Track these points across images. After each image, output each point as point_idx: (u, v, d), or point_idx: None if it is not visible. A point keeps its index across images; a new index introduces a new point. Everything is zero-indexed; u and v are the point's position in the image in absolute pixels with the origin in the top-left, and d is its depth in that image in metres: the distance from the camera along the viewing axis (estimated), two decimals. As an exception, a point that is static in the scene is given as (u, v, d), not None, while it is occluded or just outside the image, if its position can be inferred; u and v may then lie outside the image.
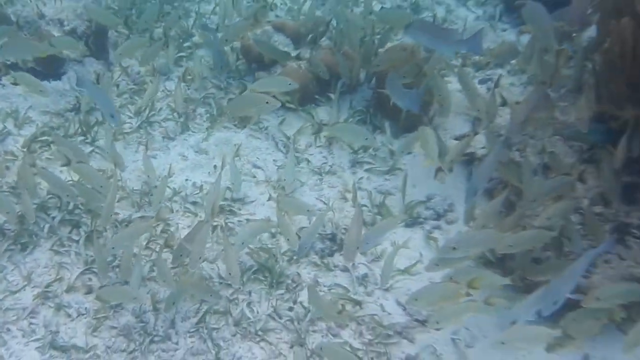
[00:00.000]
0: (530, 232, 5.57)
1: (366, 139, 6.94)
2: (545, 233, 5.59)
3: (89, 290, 5.94)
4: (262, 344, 5.81)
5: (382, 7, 9.85)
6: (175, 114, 7.93)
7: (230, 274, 5.67)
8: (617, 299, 5.22)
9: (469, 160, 7.29)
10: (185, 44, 9.11)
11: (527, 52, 7.41)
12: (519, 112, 5.95)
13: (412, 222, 6.99)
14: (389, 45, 8.54)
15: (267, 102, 6.57)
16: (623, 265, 5.94)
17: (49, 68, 8.03)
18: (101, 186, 6.28)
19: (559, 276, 4.93)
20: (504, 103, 7.09)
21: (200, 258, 5.70)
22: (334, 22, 8.90)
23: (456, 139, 7.62)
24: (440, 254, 5.40)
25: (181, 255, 5.92)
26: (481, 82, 8.55)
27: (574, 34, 7.46)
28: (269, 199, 6.80)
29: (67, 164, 6.33)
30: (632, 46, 5.95)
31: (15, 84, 7.47)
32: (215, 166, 7.35)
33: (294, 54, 8.48)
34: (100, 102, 6.74)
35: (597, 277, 5.87)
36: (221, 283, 6.23)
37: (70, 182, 6.61)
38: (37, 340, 5.66)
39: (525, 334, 5.03)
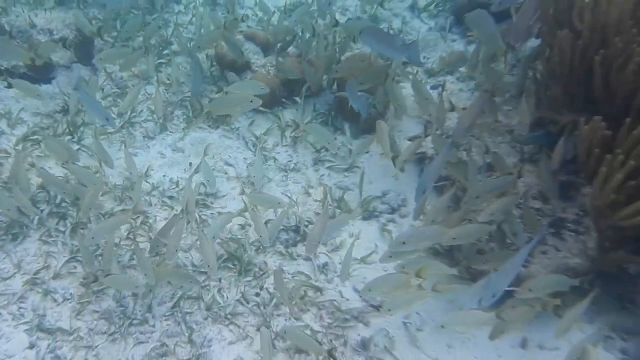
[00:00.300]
0: (471, 226, 5.56)
1: (328, 142, 6.99)
2: (485, 227, 5.60)
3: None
4: (231, 327, 5.81)
5: (348, 19, 9.84)
6: (154, 116, 7.86)
7: (209, 266, 5.65)
8: (547, 289, 5.27)
9: (421, 159, 7.29)
10: (165, 52, 9.04)
11: (472, 60, 7.41)
12: (464, 117, 5.95)
13: (369, 215, 7.00)
14: (348, 53, 8.56)
15: (251, 101, 6.54)
16: (558, 256, 5.98)
17: (40, 73, 7.96)
18: (94, 184, 6.24)
19: (498, 271, 4.95)
20: (452, 108, 7.08)
21: (176, 250, 5.70)
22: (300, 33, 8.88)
23: (409, 139, 7.62)
24: (391, 248, 5.39)
25: (157, 246, 5.91)
26: (433, 87, 8.54)
27: (517, 46, 7.46)
28: (242, 193, 6.74)
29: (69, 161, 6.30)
30: (570, 57, 5.96)
31: (9, 87, 7.38)
32: (190, 163, 7.32)
33: (262, 61, 8.47)
34: (93, 108, 6.65)
35: (535, 267, 5.91)
36: (194, 271, 6.21)
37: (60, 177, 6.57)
38: (26, 323, 5.64)
39: (463, 318, 5.05)
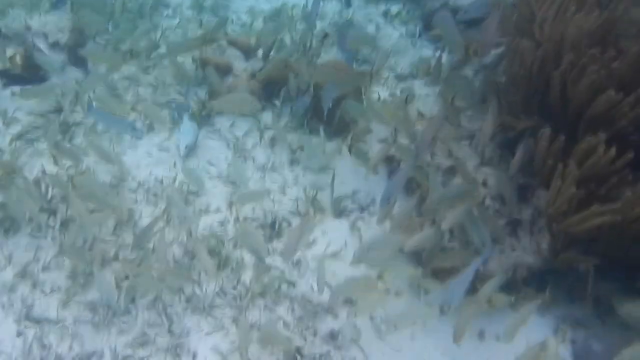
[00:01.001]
0: (428, 231, 5.55)
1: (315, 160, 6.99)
2: (439, 230, 5.61)
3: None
4: (209, 318, 5.73)
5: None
6: (142, 116, 7.72)
7: (206, 271, 5.65)
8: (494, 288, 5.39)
9: (390, 161, 7.20)
10: (153, 55, 8.81)
11: (436, 69, 7.30)
12: (427, 132, 5.86)
13: (340, 213, 6.92)
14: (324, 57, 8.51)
15: (252, 103, 6.51)
16: (514, 254, 5.95)
17: (34, 74, 7.81)
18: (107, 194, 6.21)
19: (452, 282, 4.94)
20: (421, 117, 7.00)
21: (165, 258, 5.69)
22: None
23: (380, 141, 7.54)
24: (356, 256, 5.35)
25: (139, 244, 5.91)
26: (402, 92, 8.46)
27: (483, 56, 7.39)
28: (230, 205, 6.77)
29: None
30: (530, 66, 5.92)
31: (4, 86, 7.32)
32: (175, 163, 7.20)
33: (243, 65, 8.35)
34: (115, 124, 6.51)
35: (493, 265, 5.88)
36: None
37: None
38: (14, 313, 5.54)
39: (410, 314, 5.06)
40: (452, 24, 6.36)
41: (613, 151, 5.11)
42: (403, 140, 6.82)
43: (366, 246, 5.32)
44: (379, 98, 8.06)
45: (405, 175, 5.65)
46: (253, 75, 8.22)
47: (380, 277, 5.40)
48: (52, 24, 8.29)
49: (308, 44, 8.64)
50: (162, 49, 8.83)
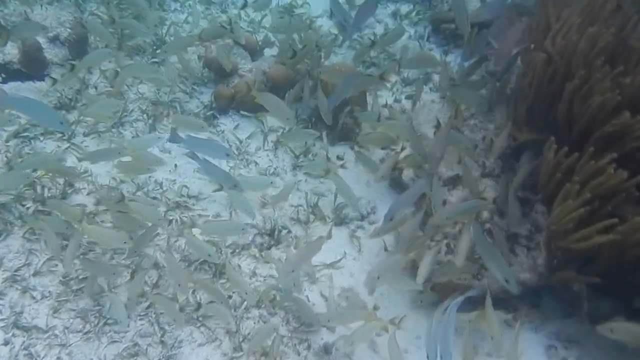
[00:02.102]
0: (432, 251, 5.48)
1: (351, 201, 6.60)
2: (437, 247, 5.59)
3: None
4: (202, 328, 5.53)
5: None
6: (144, 115, 7.51)
7: (246, 293, 5.55)
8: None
9: (393, 168, 7.00)
10: (158, 51, 8.54)
11: (442, 79, 7.05)
12: (435, 149, 5.67)
13: (340, 222, 6.78)
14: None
15: (288, 118, 6.34)
16: (511, 270, 5.71)
17: (34, 70, 7.57)
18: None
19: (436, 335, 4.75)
20: (438, 125, 6.79)
21: (181, 285, 5.45)
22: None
23: (383, 148, 7.35)
24: (367, 284, 5.28)
25: (135, 252, 5.79)
26: (408, 97, 8.28)
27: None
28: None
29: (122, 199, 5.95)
30: (540, 77, 5.76)
31: (3, 82, 7.14)
32: (175, 165, 7.03)
33: (249, 66, 8.15)
34: (208, 149, 6.23)
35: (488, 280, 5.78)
36: (171, 271, 5.92)
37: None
38: (2, 320, 5.30)
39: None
40: (465, 9, 6.24)
41: (624, 174, 4.92)
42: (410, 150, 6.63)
43: (375, 275, 5.18)
44: (386, 103, 7.85)
45: (415, 195, 5.46)
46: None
47: (375, 308, 5.31)
48: (52, 18, 7.94)
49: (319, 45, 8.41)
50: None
